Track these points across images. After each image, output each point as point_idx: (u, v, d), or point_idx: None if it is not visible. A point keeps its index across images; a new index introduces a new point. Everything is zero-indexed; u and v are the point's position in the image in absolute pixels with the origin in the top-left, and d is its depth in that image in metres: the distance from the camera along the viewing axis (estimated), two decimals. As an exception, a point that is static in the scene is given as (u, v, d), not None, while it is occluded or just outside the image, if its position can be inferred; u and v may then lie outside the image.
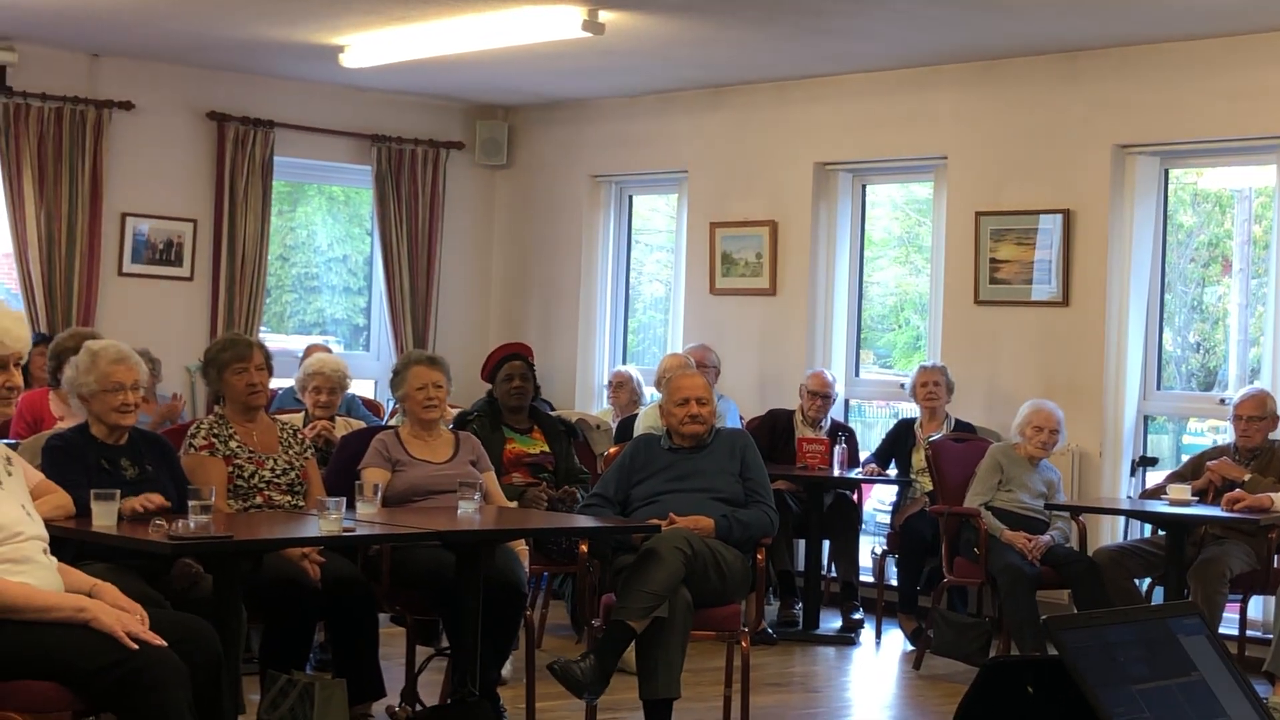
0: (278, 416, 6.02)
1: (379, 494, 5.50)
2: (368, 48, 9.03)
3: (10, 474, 4.16)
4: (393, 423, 7.19)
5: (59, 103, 9.50)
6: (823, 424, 8.78)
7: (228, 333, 8.11)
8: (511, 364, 7.32)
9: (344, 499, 5.15)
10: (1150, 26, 7.84)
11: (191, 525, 4.70)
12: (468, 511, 5.56)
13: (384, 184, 10.68)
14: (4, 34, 9.16)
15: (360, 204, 11.19)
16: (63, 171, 9.52)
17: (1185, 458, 7.95)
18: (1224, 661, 2.73)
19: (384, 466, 5.98)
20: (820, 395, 8.72)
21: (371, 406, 8.88)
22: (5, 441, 4.48)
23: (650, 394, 9.22)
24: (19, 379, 4.15)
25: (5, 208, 9.47)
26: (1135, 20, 7.72)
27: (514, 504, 6.51)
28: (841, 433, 8.69)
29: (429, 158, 10.85)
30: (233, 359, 5.78)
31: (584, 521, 6.05)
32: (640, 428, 8.05)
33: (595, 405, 10.42)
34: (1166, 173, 8.56)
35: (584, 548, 6.05)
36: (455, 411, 7.58)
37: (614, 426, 8.75)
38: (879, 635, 8.32)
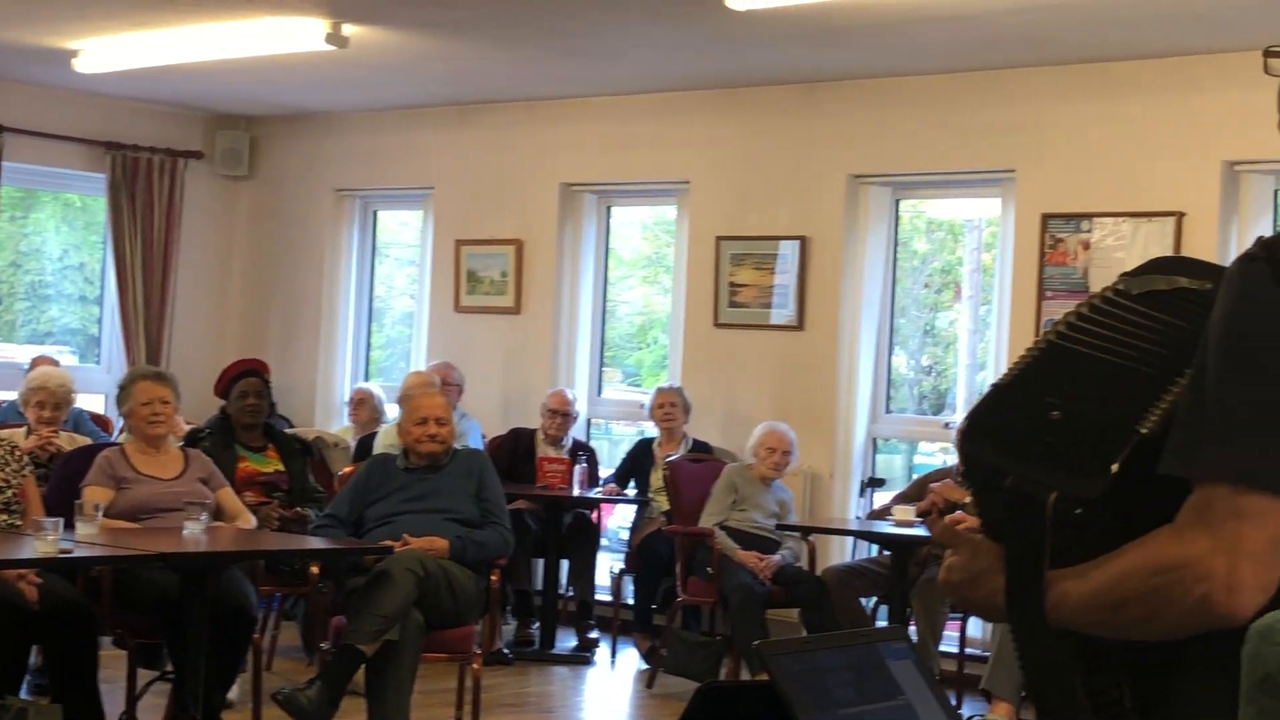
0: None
1: (100, 513, 5.35)
2: (103, 52, 8.78)
3: None
4: (120, 439, 7.00)
5: None
6: (564, 443, 8.81)
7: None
8: (247, 380, 7.20)
9: (62, 519, 5.00)
10: (885, 61, 8.07)
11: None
12: (194, 532, 5.44)
13: (118, 192, 10.39)
14: None
15: (96, 211, 10.87)
16: None
17: (912, 479, 8.18)
18: (929, 685, 2.82)
19: (107, 485, 5.82)
20: (560, 413, 8.75)
21: (100, 422, 8.63)
22: None
23: (392, 412, 9.13)
24: None
25: None
26: (871, 54, 7.93)
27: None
28: (582, 452, 8.74)
29: (166, 167, 10.58)
30: None
31: (315, 543, 5.97)
32: (379, 446, 7.97)
33: (336, 422, 10.29)
34: (898, 202, 8.81)
35: (315, 569, 5.98)
36: (188, 428, 7.42)
37: (353, 445, 8.65)
38: (614, 654, 8.37)
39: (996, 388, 1.77)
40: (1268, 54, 1.77)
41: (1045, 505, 1.66)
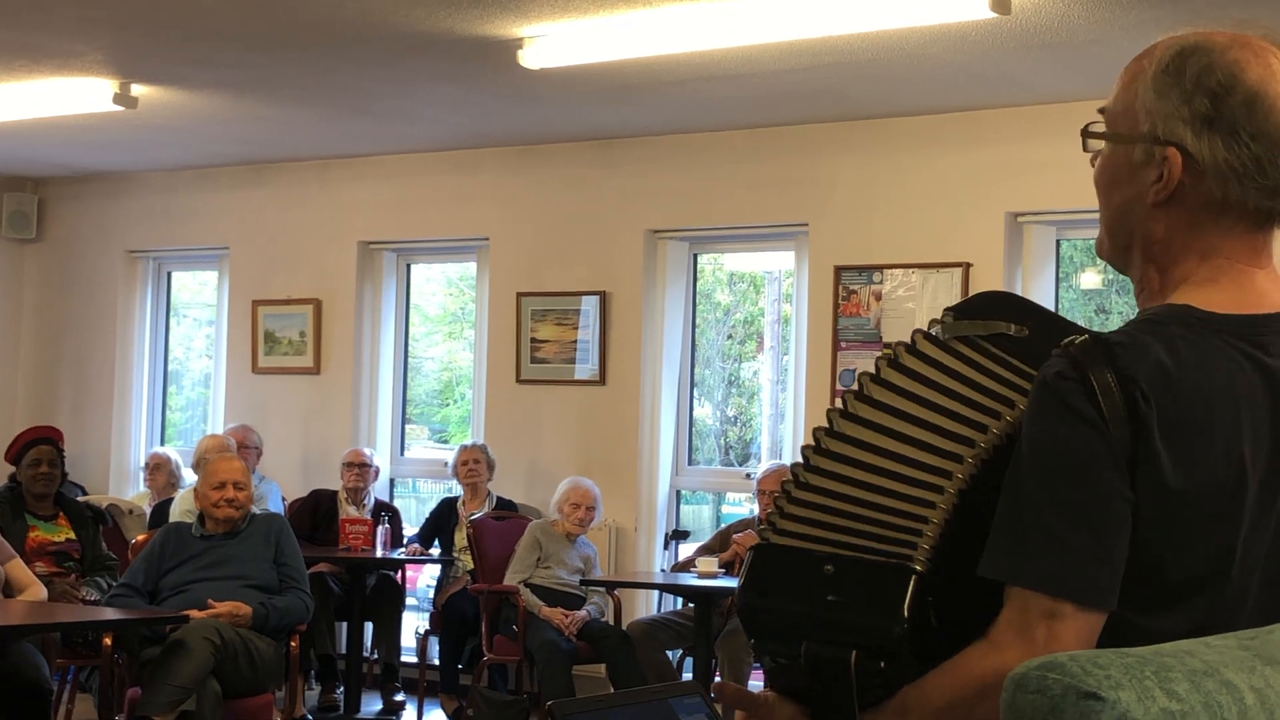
0: None
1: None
2: (-120, 114, 8.53)
3: None
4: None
5: None
6: (366, 503, 8.73)
7: None
8: (39, 448, 7.02)
9: None
10: (679, 117, 8.18)
11: None
12: (-21, 607, 5.29)
13: (-100, 257, 10.08)
14: None
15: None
16: None
17: (715, 531, 8.25)
18: (722, 738, 2.85)
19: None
20: (356, 465, 8.69)
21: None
22: None
23: (188, 476, 8.96)
24: None
25: None
26: (665, 111, 8.04)
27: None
28: (385, 512, 8.66)
29: (-49, 230, 10.30)
30: None
31: (109, 613, 5.83)
32: (176, 512, 7.82)
33: (132, 488, 10.07)
34: (696, 256, 8.92)
35: (108, 640, 5.84)
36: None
37: (148, 511, 8.46)
38: (420, 715, 8.29)
39: (759, 549, 1.75)
40: (1085, 133, 1.82)
41: (849, 665, 1.65)
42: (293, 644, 5.89)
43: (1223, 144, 1.70)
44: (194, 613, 5.65)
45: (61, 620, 5.94)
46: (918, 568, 1.65)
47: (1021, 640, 1.59)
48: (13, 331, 10.78)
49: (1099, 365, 1.62)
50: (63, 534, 6.88)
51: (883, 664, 1.64)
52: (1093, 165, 1.83)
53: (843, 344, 7.97)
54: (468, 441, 8.71)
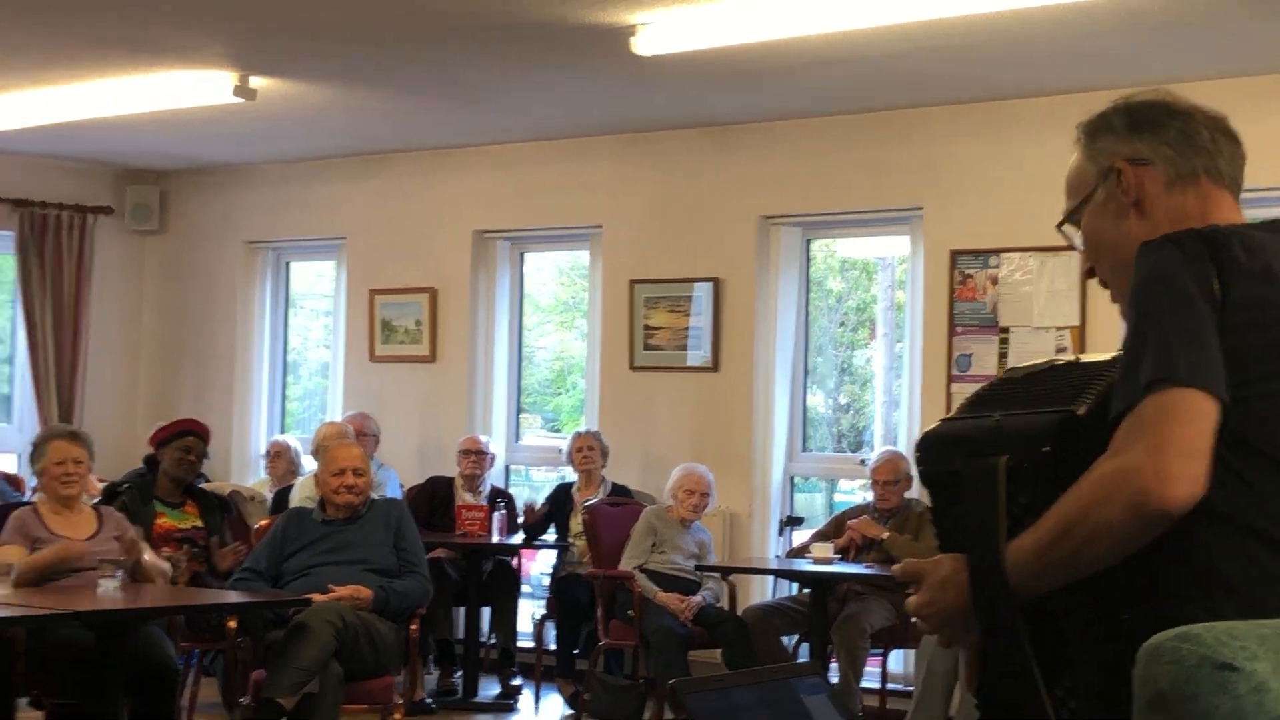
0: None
1: (12, 573, 5.29)
2: (9, 109, 8.72)
3: None
4: (33, 499, 6.92)
5: None
6: (482, 490, 8.80)
7: None
8: (190, 439, 7.16)
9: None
10: (793, 102, 8.16)
11: None
12: (108, 590, 5.40)
13: (27, 250, 10.30)
14: None
15: (4, 270, 10.76)
16: None
17: (830, 517, 8.23)
18: (844, 719, 2.85)
19: (20, 543, 5.76)
20: (473, 452, 8.76)
21: (13, 481, 8.53)
22: None
23: (308, 464, 9.08)
24: None
25: None
26: (779, 96, 8.02)
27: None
28: (500, 499, 8.73)
29: (76, 223, 10.51)
30: None
31: (233, 596, 5.93)
32: (296, 499, 7.93)
33: (252, 476, 10.23)
34: (809, 242, 8.90)
35: (232, 623, 5.94)
36: (102, 485, 7.35)
37: (269, 498, 8.60)
38: (538, 700, 8.35)
39: (943, 419, 2.10)
40: (1060, 227, 2.25)
41: (997, 470, 1.88)
42: (413, 628, 5.95)
43: (1151, 135, 2.13)
44: (316, 596, 5.73)
45: (186, 603, 6.06)
46: (1079, 410, 1.91)
47: (1137, 438, 1.79)
48: (136, 322, 10.99)
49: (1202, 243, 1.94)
50: (189, 520, 7.00)
51: (1026, 465, 1.87)
52: (1083, 261, 2.22)
53: (958, 329, 7.91)
54: (582, 428, 8.75)
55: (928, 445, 2.05)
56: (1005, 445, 1.90)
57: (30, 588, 5.56)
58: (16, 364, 10.61)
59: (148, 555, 5.99)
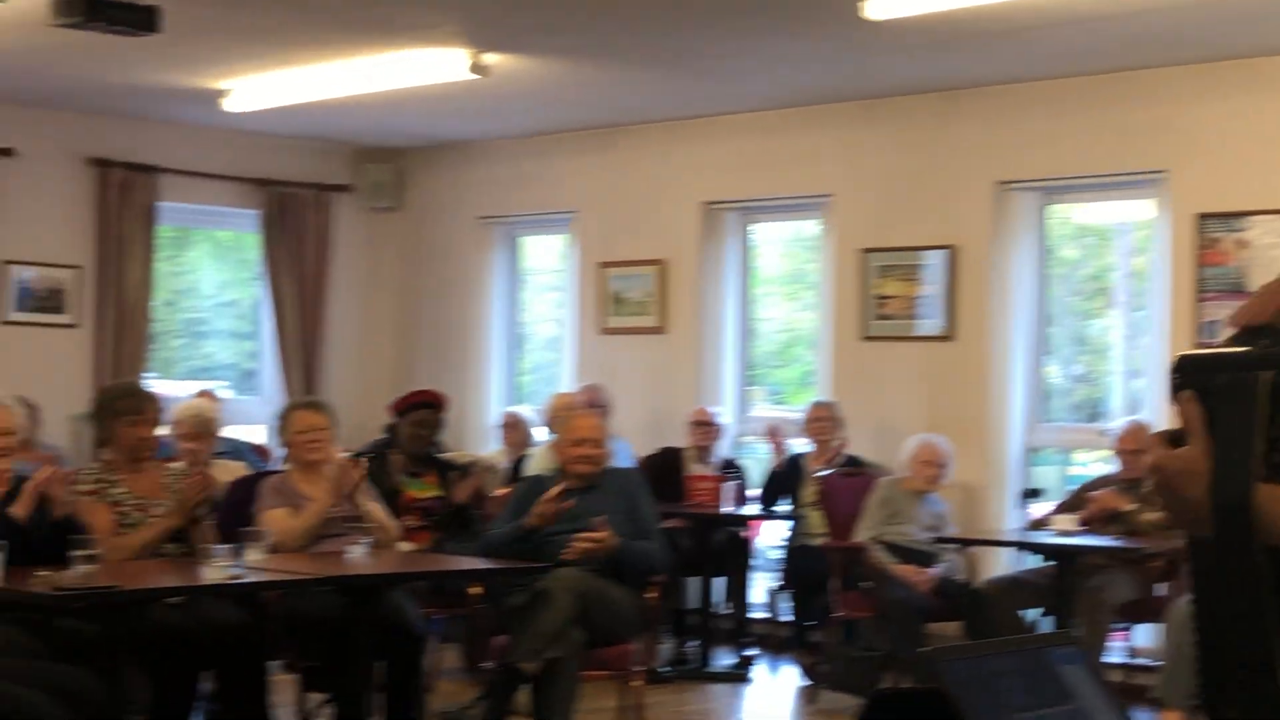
0: (163, 463, 5.95)
1: (267, 540, 5.46)
2: (251, 91, 8.98)
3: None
4: (281, 468, 7.12)
5: (-63, 150, 9.36)
6: (713, 460, 8.82)
7: (125, 381, 7.84)
8: (425, 412, 7.30)
9: (233, 545, 5.11)
10: (1028, 65, 7.99)
11: (76, 575, 4.64)
12: (357, 555, 5.53)
13: (271, 228, 10.61)
14: (-121, 80, 9.02)
15: (248, 248, 11.10)
16: (-58, 219, 9.38)
17: (1071, 488, 8.07)
18: (1101, 690, 2.78)
19: (284, 505, 5.94)
20: (703, 424, 8.77)
21: (260, 452, 8.79)
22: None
23: (542, 434, 9.19)
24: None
25: (-118, 256, 9.31)
26: (1013, 60, 7.86)
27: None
28: (731, 470, 8.73)
29: (316, 201, 10.79)
30: (128, 410, 5.71)
31: (475, 563, 6.03)
32: (532, 469, 8.04)
33: (486, 446, 10.39)
34: (1046, 208, 8.71)
35: (475, 590, 6.04)
36: (343, 455, 7.52)
37: (506, 468, 8.72)
38: (773, 671, 8.35)
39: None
40: None
41: (1258, 383, 1.78)
42: (650, 596, 5.98)
43: None
44: (583, 536, 5.74)
45: (430, 570, 6.18)
46: None
47: None
48: (374, 297, 11.25)
49: None
50: (430, 490, 7.14)
51: None
52: None
53: (1206, 294, 7.68)
54: (819, 398, 8.71)
55: (1187, 361, 1.92)
56: (1272, 365, 1.79)
57: (295, 552, 5.74)
58: (262, 339, 10.95)
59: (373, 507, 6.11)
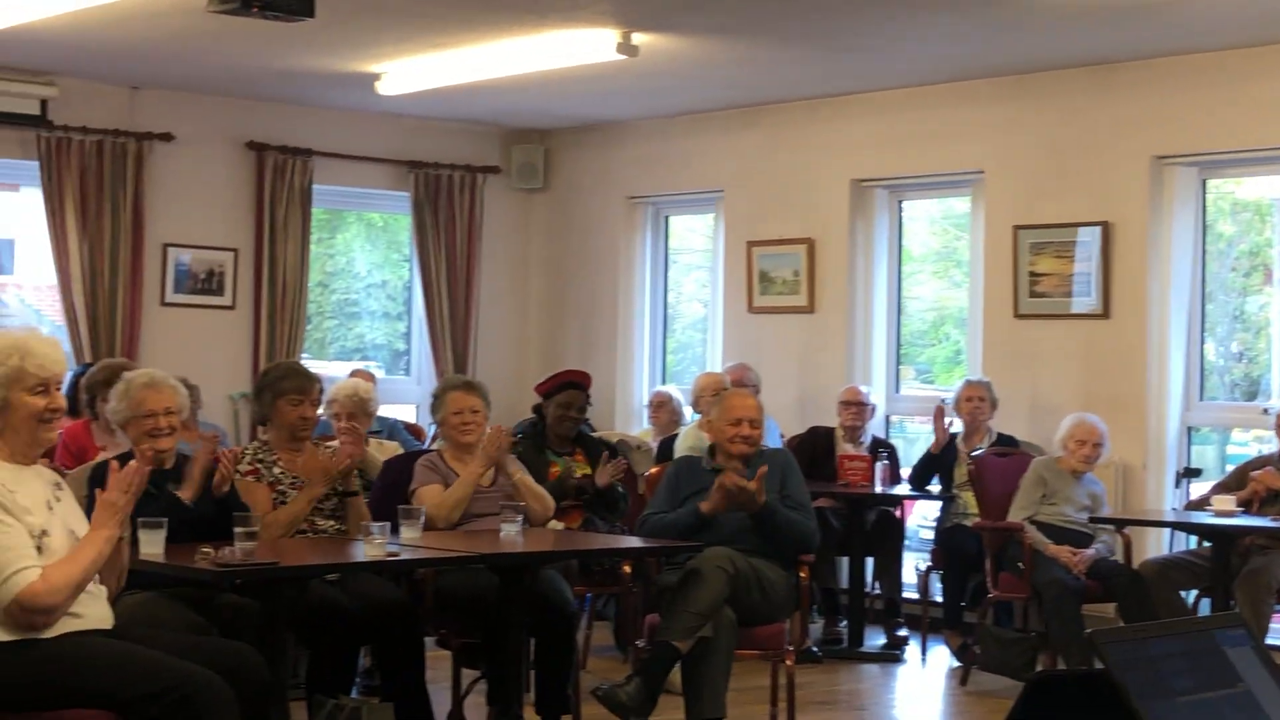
0: (320, 442, 6.05)
1: (422, 518, 5.52)
2: (403, 75, 9.08)
3: (59, 499, 4.20)
4: (434, 447, 7.21)
5: (99, 135, 9.59)
6: (863, 440, 8.76)
7: (287, 362, 7.91)
8: (570, 393, 7.34)
9: (388, 523, 5.19)
10: (1185, 38, 7.83)
11: (238, 552, 4.74)
12: (510, 533, 5.58)
13: (422, 210, 10.74)
14: (45, 69, 9.25)
15: (398, 230, 11.25)
16: (104, 203, 9.61)
17: (1229, 468, 7.90)
18: (1271, 672, 2.72)
19: (439, 481, 6.01)
20: (854, 404, 8.72)
21: (413, 431, 8.91)
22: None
23: (690, 414, 9.21)
24: (61, 401, 4.19)
25: (49, 240, 9.56)
26: (1169, 32, 7.70)
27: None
28: (882, 449, 8.67)
29: (466, 183, 10.90)
30: (292, 390, 5.81)
31: (626, 542, 6.05)
32: (681, 448, 8.05)
33: (635, 426, 10.43)
34: (1204, 183, 8.53)
35: (627, 568, 6.07)
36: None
37: (654, 447, 8.75)
38: (924, 652, 8.29)
39: None
40: None
41: None
42: (802, 575, 5.96)
43: None
44: (729, 479, 5.74)
45: (581, 548, 6.21)
46: None
47: None
48: (523, 278, 11.33)
49: None
50: (580, 469, 7.18)
51: None
52: None
53: (1372, 269, 7.47)
54: (973, 377, 8.61)
55: None
56: None
57: (448, 528, 5.81)
58: (414, 319, 11.08)
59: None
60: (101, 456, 5.88)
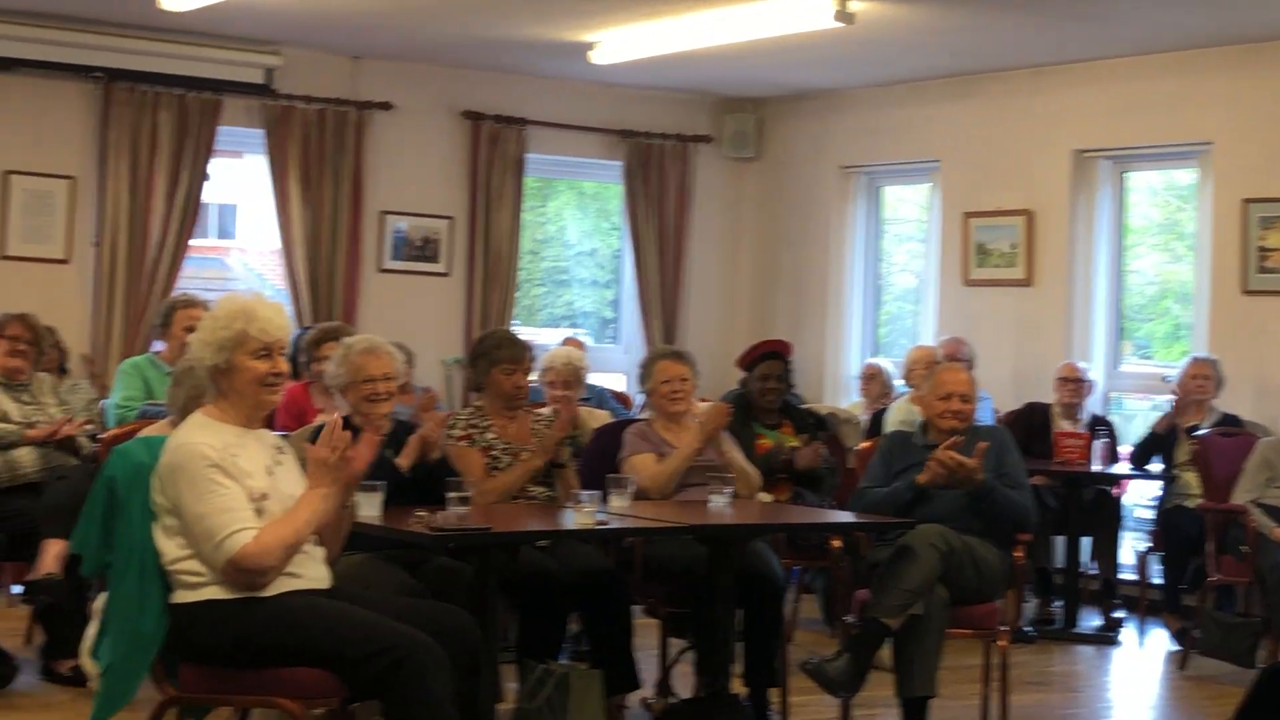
0: (532, 410, 6.09)
1: (632, 487, 5.53)
2: (618, 44, 9.09)
3: (281, 463, 4.28)
4: (642, 416, 7.22)
5: (322, 104, 9.78)
6: (1080, 417, 8.56)
7: (501, 330, 7.95)
8: (770, 363, 7.27)
9: (598, 492, 5.20)
10: None
11: (451, 517, 4.79)
12: (719, 505, 5.56)
13: (633, 179, 10.76)
14: (270, 39, 9.46)
15: (608, 198, 11.29)
16: (325, 171, 9.80)
17: None
18: None
19: (650, 450, 6.02)
20: (1071, 380, 8.52)
21: (621, 399, 8.93)
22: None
23: (901, 386, 9.09)
24: (284, 365, 4.26)
25: (272, 206, 9.79)
26: None
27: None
28: (1101, 426, 8.46)
29: (678, 152, 10.88)
30: (507, 359, 5.87)
31: (836, 516, 5.99)
32: (892, 422, 7.95)
33: (845, 398, 10.34)
34: None
35: (836, 543, 6.01)
36: (703, 405, 7.57)
37: (865, 420, 8.64)
38: (1141, 634, 8.08)
39: None
40: None
41: None
42: (1017, 554, 5.83)
43: None
44: (943, 454, 5.64)
45: (789, 521, 6.16)
46: None
47: None
48: (733, 248, 11.29)
49: None
50: (789, 442, 7.12)
51: None
52: None
53: None
54: (1200, 354, 8.35)
55: None
56: None
57: (658, 499, 5.82)
58: (623, 288, 11.12)
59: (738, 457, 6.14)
60: (320, 419, 6.00)
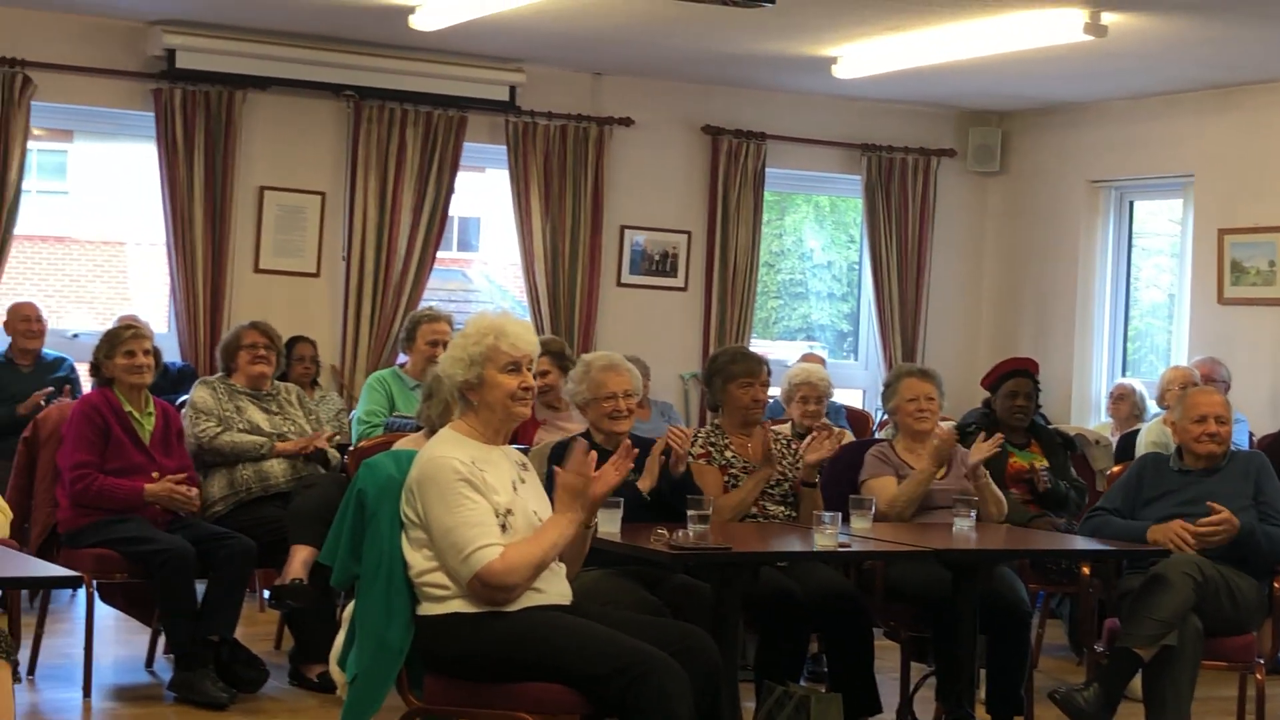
0: (770, 427, 6.04)
1: (873, 509, 5.45)
2: (860, 58, 9.01)
3: (524, 480, 4.32)
4: (882, 435, 7.12)
5: (563, 120, 9.89)
6: (1344, 443, 8.19)
7: (736, 346, 7.94)
8: (1017, 380, 7.11)
9: (839, 513, 5.13)
10: None
11: (690, 534, 4.77)
12: (963, 528, 5.46)
13: (874, 193, 10.65)
14: (514, 57, 9.59)
15: (845, 211, 11.20)
16: (566, 186, 9.90)
17: None
18: None
19: (890, 474, 5.94)
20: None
21: (858, 417, 8.83)
22: (517, 447, 4.64)
23: (1152, 408, 8.82)
24: (531, 380, 4.30)
25: (513, 220, 9.93)
26: None
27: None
28: (1366, 453, 8.08)
29: (919, 166, 10.75)
30: (743, 374, 5.86)
31: (1083, 543, 5.83)
32: (1143, 444, 7.71)
33: (1092, 419, 10.07)
34: None
35: (1086, 569, 5.85)
36: (946, 425, 7.44)
37: (1114, 441, 8.40)
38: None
39: None
40: None
41: None
42: (1277, 584, 5.60)
43: None
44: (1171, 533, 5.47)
45: (1035, 548, 6.00)
46: None
47: None
48: (976, 264, 11.10)
49: None
50: (1036, 460, 6.96)
51: None
52: None
53: None
54: None
55: None
56: None
57: (899, 521, 5.74)
58: (861, 303, 11.01)
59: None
60: (541, 435, 6.04)
